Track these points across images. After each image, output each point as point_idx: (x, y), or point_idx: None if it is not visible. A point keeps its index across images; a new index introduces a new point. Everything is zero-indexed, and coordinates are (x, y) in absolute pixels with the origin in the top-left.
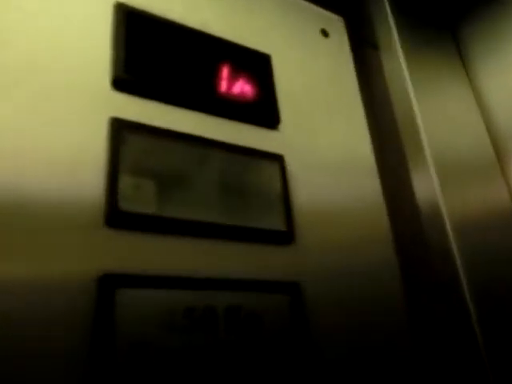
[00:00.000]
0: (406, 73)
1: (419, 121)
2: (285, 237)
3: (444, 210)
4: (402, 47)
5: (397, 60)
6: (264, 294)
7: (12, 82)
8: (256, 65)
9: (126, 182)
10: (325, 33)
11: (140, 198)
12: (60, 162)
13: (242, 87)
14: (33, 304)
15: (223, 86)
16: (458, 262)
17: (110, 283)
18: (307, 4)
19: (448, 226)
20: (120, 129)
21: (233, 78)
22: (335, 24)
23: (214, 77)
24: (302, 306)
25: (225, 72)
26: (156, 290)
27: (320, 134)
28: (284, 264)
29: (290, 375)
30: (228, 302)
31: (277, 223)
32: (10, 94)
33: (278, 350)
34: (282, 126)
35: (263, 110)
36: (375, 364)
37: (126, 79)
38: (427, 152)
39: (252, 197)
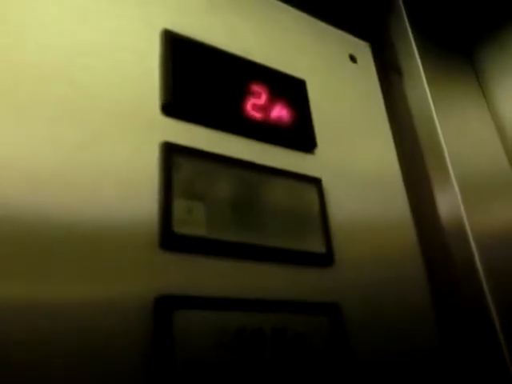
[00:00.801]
0: (428, 96)
1: (441, 141)
2: (325, 259)
3: (467, 225)
4: (424, 72)
5: (420, 84)
6: (306, 315)
7: (72, 109)
8: (292, 90)
9: (179, 205)
10: (353, 58)
11: (192, 220)
12: (114, 186)
13: (280, 112)
14: (92, 326)
15: (264, 111)
16: (482, 275)
17: (167, 305)
18: (336, 30)
19: (472, 241)
20: (171, 153)
21: (272, 103)
22: (362, 50)
23: (256, 102)
24: (342, 325)
25: (264, 97)
26: (209, 312)
27: (352, 156)
28: (324, 285)
29: None
30: (274, 323)
31: (317, 245)
32: (71, 121)
33: (321, 368)
34: (318, 149)
35: (301, 134)
36: (409, 379)
37: (174, 104)
38: (450, 170)
39: (293, 219)
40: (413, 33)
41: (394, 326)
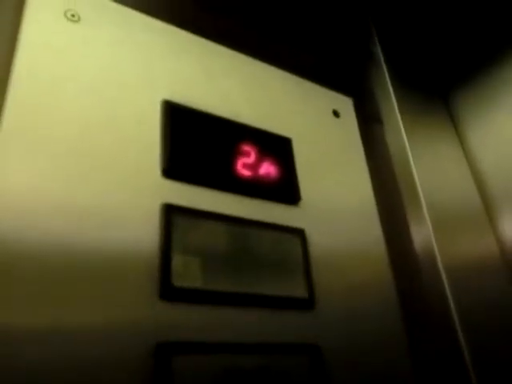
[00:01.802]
0: (405, 139)
1: (416, 179)
2: (307, 303)
3: (439, 257)
4: (401, 117)
5: (398, 129)
6: (289, 355)
7: (85, 171)
8: (279, 148)
9: (177, 260)
10: (336, 113)
11: (188, 274)
12: (120, 242)
13: (268, 169)
14: (96, 367)
15: (253, 169)
16: (452, 303)
17: (166, 351)
18: (320, 88)
19: (443, 272)
20: (171, 213)
21: (260, 161)
22: (345, 104)
23: (245, 161)
24: (322, 364)
25: (253, 156)
26: (203, 356)
27: (333, 204)
28: (306, 327)
29: None
30: (259, 363)
31: (300, 291)
32: (84, 182)
33: None
34: (303, 201)
35: (286, 188)
36: None
37: (173, 168)
38: (424, 206)
39: (279, 268)
40: (391, 80)
41: (369, 363)
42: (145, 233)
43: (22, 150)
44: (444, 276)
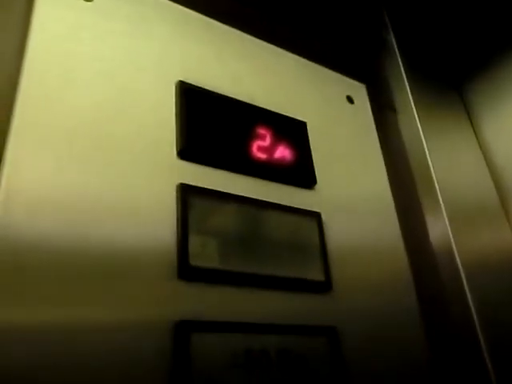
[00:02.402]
0: (420, 130)
1: (432, 171)
2: (324, 286)
3: (456, 251)
4: (415, 108)
5: (412, 119)
6: (306, 337)
7: (103, 156)
8: (294, 131)
9: (194, 240)
10: (350, 99)
11: (205, 254)
12: (138, 223)
13: (283, 152)
14: (119, 347)
15: (268, 151)
16: (469, 297)
17: (185, 328)
18: (334, 73)
19: (460, 267)
20: (186, 193)
21: (275, 144)
22: (358, 91)
23: (261, 144)
24: (339, 346)
25: (268, 139)
26: (222, 334)
27: (348, 190)
28: (323, 310)
29: None
30: (278, 344)
31: (317, 274)
32: (103, 166)
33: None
34: (318, 185)
35: (302, 172)
36: None
37: (189, 149)
38: (440, 198)
39: (295, 250)
40: (405, 71)
41: (386, 347)
42: (162, 214)
43: (37, 140)
44: (461, 268)
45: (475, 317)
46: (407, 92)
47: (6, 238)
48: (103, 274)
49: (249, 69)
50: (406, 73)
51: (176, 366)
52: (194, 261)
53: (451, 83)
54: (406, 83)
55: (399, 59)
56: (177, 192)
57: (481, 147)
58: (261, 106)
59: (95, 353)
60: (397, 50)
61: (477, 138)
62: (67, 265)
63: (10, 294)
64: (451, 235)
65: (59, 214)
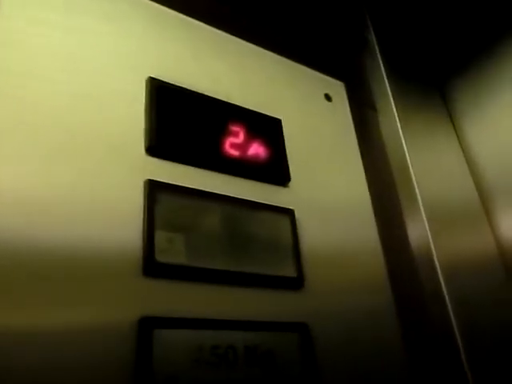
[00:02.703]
0: (400, 130)
1: (412, 172)
2: (296, 282)
3: (434, 252)
4: (396, 107)
5: (392, 119)
6: (277, 333)
7: (67, 149)
8: (269, 129)
9: (160, 236)
10: (328, 97)
11: (172, 250)
12: (103, 219)
13: (257, 149)
14: (83, 342)
15: (241, 149)
16: (447, 299)
17: (148, 325)
18: (312, 71)
19: (438, 266)
20: (154, 189)
21: (249, 141)
22: (337, 89)
23: (234, 141)
24: (310, 342)
25: (242, 136)
26: (187, 331)
27: (324, 188)
28: (294, 306)
29: None
30: (246, 340)
31: (289, 270)
32: (64, 160)
33: (290, 381)
34: (292, 182)
35: (276, 169)
36: None
37: (157, 146)
38: (419, 199)
39: (267, 247)
40: (386, 70)
41: (359, 345)
42: (129, 210)
43: (8, 140)
44: (439, 269)
45: (453, 318)
46: (387, 92)
47: None
48: (69, 274)
49: (225, 67)
50: (386, 72)
51: (138, 362)
52: (160, 257)
53: (433, 83)
54: (387, 83)
55: (380, 59)
56: (144, 188)
57: (462, 148)
58: (237, 103)
59: (59, 353)
60: (377, 50)
61: (458, 139)
62: (30, 265)
63: None
64: (430, 236)
65: (18, 208)
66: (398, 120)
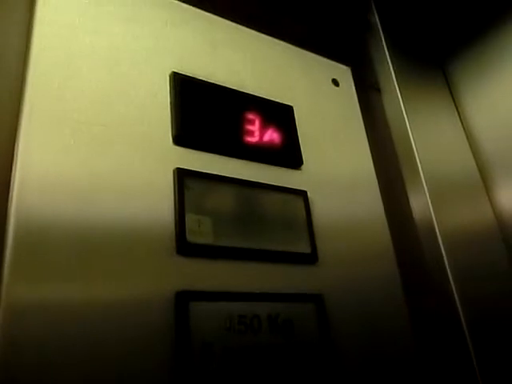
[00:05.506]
0: (402, 108)
1: (414, 148)
2: (310, 258)
3: (436, 224)
4: (399, 87)
5: (395, 98)
6: (295, 303)
7: (105, 142)
8: (281, 115)
9: (190, 219)
10: (335, 82)
11: (201, 231)
12: (139, 205)
13: (271, 135)
14: (125, 316)
15: (258, 135)
16: (448, 269)
17: (184, 298)
18: (320, 58)
19: (440, 239)
20: (182, 177)
21: (264, 128)
22: (343, 73)
23: (250, 128)
24: (325, 312)
25: (257, 124)
26: (217, 303)
27: (334, 169)
28: (310, 279)
29: (315, 368)
30: (268, 310)
31: (303, 247)
32: (104, 152)
33: (306, 347)
34: (304, 165)
35: (289, 153)
36: (381, 361)
37: (183, 135)
38: (421, 174)
39: (284, 226)
40: (389, 50)
41: (369, 311)
42: (160, 196)
43: (45, 127)
44: (441, 241)
45: (453, 285)
46: (390, 72)
47: (25, 218)
48: (109, 251)
49: (239, 57)
50: (389, 52)
51: (177, 331)
52: (191, 237)
53: (434, 61)
54: (390, 63)
55: (383, 39)
56: (174, 175)
57: (462, 124)
58: (250, 92)
59: (100, 326)
60: (381, 31)
61: (459, 115)
62: (74, 242)
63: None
64: (432, 210)
65: (67, 194)
66: (400, 99)
